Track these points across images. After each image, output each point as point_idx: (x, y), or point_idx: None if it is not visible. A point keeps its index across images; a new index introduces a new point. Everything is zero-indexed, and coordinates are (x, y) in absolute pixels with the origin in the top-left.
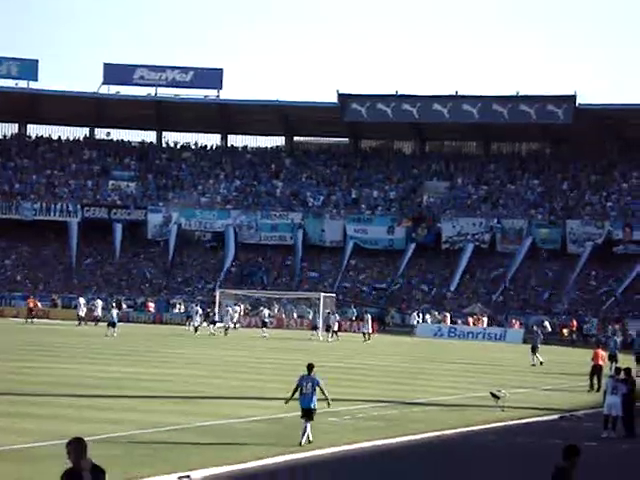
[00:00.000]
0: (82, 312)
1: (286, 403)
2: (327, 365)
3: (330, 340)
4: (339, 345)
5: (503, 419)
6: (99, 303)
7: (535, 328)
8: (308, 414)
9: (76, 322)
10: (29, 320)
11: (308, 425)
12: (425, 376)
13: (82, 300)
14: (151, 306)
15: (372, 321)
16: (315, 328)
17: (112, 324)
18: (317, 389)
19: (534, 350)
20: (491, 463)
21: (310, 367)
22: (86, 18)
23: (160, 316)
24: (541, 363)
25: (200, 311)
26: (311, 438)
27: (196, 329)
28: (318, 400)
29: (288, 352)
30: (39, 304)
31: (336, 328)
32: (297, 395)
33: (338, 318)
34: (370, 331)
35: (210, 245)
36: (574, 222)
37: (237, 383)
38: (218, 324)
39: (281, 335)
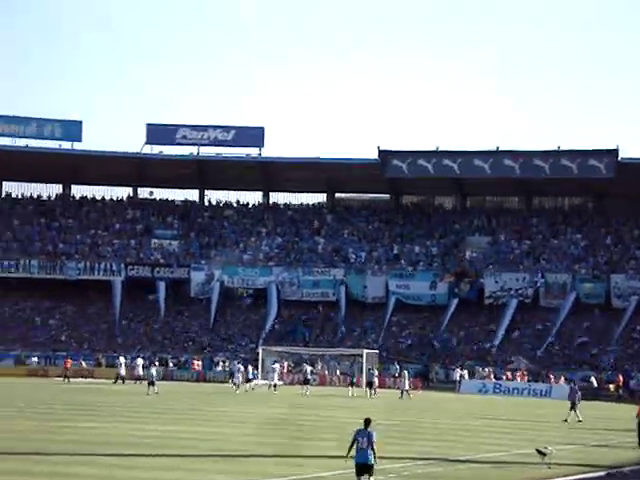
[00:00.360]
0: (122, 371)
1: (346, 458)
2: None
3: (372, 397)
4: (380, 402)
5: (549, 476)
6: (139, 362)
7: (572, 385)
8: (364, 469)
9: (113, 380)
10: (65, 380)
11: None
12: (470, 433)
13: (122, 359)
14: (197, 364)
15: (411, 377)
16: (352, 384)
17: (152, 383)
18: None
19: (573, 407)
20: None
21: (367, 422)
22: (129, 79)
23: (203, 374)
24: (579, 421)
25: (242, 369)
26: None
27: (238, 387)
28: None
29: (331, 409)
30: (72, 363)
31: (407, 387)
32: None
33: (376, 374)
34: (407, 388)
35: (250, 302)
36: (618, 276)
37: (281, 441)
38: (255, 381)
39: (323, 392)
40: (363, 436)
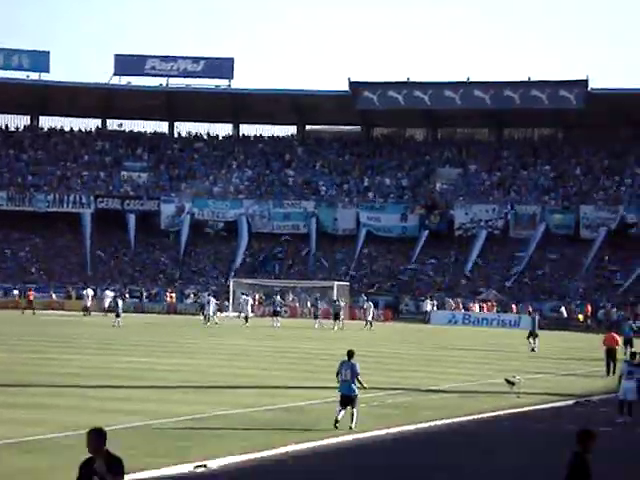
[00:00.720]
0: (89, 302)
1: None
2: (339, 354)
3: (339, 328)
4: (346, 334)
5: (518, 405)
6: (108, 293)
7: (532, 314)
8: (348, 401)
9: (82, 313)
10: (25, 311)
11: (354, 410)
12: (439, 363)
13: (89, 291)
14: (171, 296)
15: (379, 310)
16: (316, 316)
17: (118, 314)
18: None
19: (532, 335)
20: (505, 449)
21: (350, 354)
22: (97, 9)
23: (174, 306)
24: (534, 349)
25: (214, 301)
26: (354, 425)
27: (208, 319)
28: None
29: (301, 341)
30: (34, 295)
31: (370, 317)
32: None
33: (342, 305)
34: (370, 319)
35: (222, 234)
36: (588, 207)
37: (253, 372)
38: (226, 313)
39: (294, 324)
40: (347, 368)
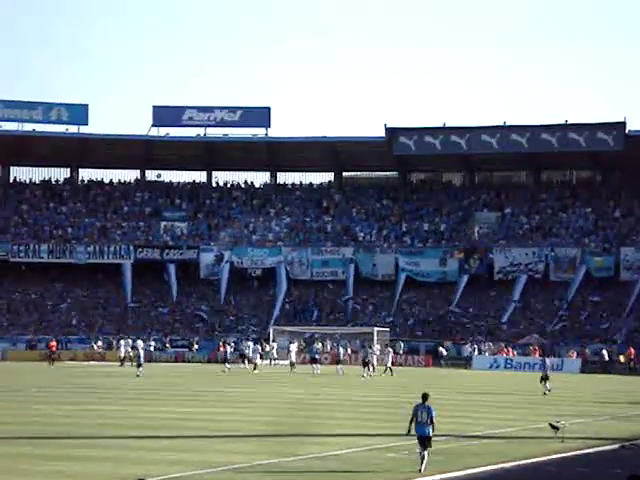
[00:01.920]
0: (122, 353)
1: (407, 434)
2: (381, 400)
3: (372, 375)
4: (390, 380)
5: (563, 450)
6: (123, 343)
7: (546, 360)
8: (424, 442)
9: (118, 364)
10: (51, 363)
11: (425, 453)
12: (482, 408)
13: (122, 342)
14: (225, 346)
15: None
16: (365, 365)
17: (139, 364)
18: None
19: (544, 379)
20: None
21: (425, 397)
22: (134, 62)
23: (214, 355)
24: (545, 393)
25: (259, 348)
26: (424, 468)
27: (255, 366)
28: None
29: (342, 388)
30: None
31: (389, 363)
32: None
33: (374, 352)
34: (390, 364)
35: (258, 280)
36: (628, 249)
37: (299, 420)
38: (272, 361)
39: (333, 371)
40: (422, 410)
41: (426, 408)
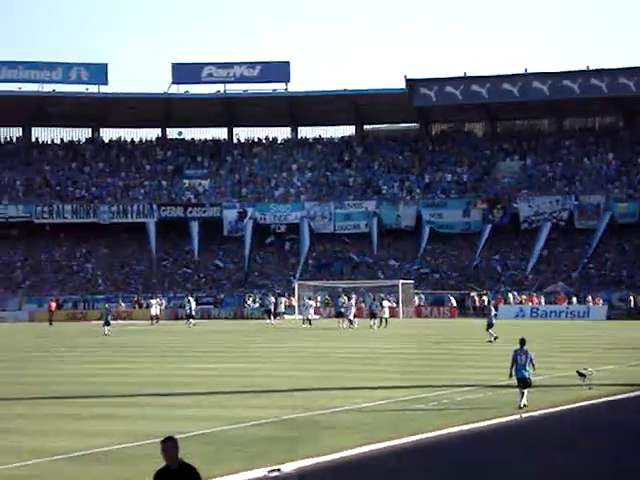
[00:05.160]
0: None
1: (510, 377)
2: (405, 352)
3: (375, 327)
4: (407, 332)
5: (591, 397)
6: (153, 302)
7: (488, 306)
8: (524, 383)
9: (149, 322)
10: (49, 322)
11: (525, 391)
12: (508, 358)
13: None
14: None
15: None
16: (372, 316)
17: (189, 316)
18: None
19: (489, 327)
20: (579, 442)
21: (523, 342)
22: (152, 19)
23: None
24: (491, 340)
25: (283, 301)
26: (526, 402)
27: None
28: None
29: (365, 341)
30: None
31: (387, 315)
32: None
33: (385, 304)
34: (387, 316)
35: (282, 235)
36: None
37: (320, 374)
38: (291, 316)
39: (359, 324)
40: (521, 354)
41: (524, 352)
